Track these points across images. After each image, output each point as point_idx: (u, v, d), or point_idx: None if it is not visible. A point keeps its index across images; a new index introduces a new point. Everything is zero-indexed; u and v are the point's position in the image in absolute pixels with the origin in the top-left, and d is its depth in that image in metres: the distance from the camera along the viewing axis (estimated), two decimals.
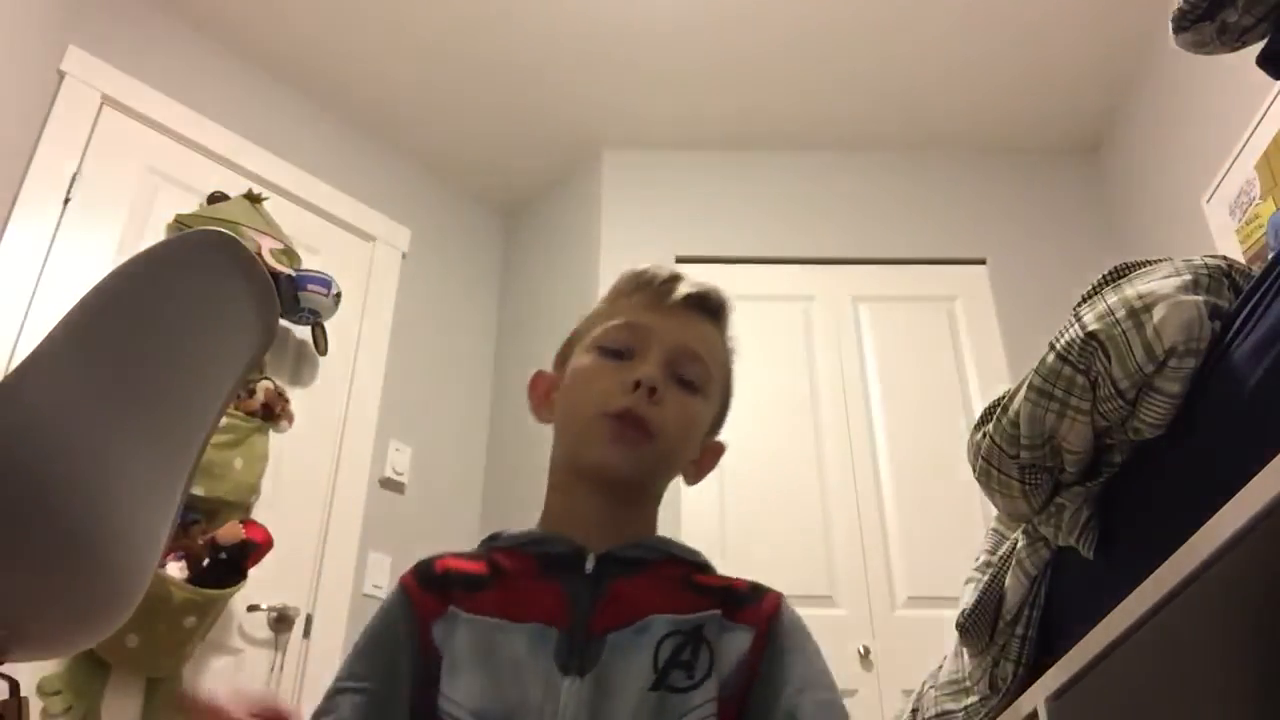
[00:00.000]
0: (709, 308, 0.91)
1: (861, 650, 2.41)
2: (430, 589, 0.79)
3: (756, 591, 0.82)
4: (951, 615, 1.21)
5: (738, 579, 0.83)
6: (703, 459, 0.91)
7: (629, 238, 3.01)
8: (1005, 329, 2.84)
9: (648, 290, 0.89)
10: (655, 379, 0.82)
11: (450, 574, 0.80)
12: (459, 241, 3.28)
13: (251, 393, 2.33)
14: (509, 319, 3.26)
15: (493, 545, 0.84)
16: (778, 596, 0.82)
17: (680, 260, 2.97)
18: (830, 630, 2.65)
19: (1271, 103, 2.20)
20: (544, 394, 0.91)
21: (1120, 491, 0.96)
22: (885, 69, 2.92)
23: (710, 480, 3.19)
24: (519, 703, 0.71)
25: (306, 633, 2.39)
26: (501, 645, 0.74)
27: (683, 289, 0.89)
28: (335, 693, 0.76)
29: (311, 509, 2.54)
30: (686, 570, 0.82)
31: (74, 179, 2.35)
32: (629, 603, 0.76)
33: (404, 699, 0.74)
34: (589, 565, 0.78)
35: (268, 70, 2.90)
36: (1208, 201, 2.46)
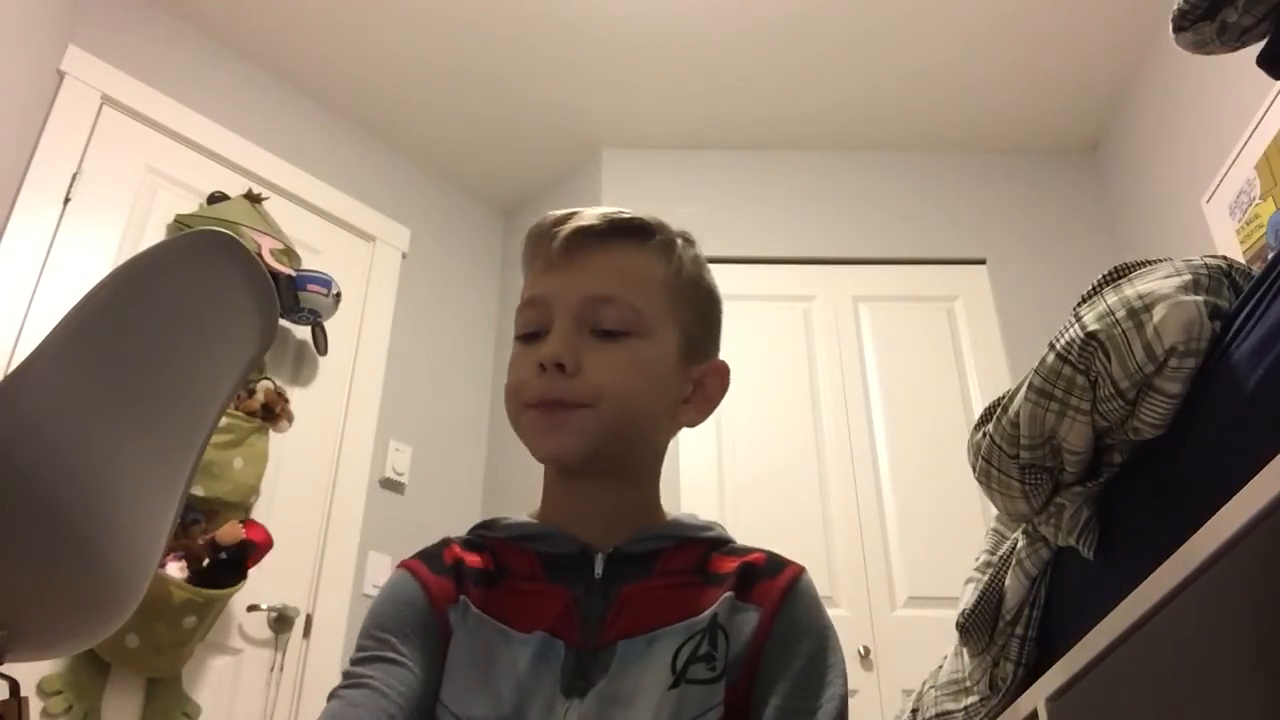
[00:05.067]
0: (609, 233, 0.79)
1: (861, 650, 2.42)
2: (442, 574, 0.75)
3: (773, 565, 0.77)
4: (951, 615, 1.21)
5: (756, 552, 0.78)
6: (696, 391, 0.82)
7: None
8: (1005, 329, 2.84)
9: (538, 251, 0.80)
10: (555, 354, 0.74)
11: (462, 566, 0.76)
12: (459, 241, 3.28)
13: (251, 393, 2.34)
14: (509, 319, 3.25)
15: (488, 534, 0.79)
16: (795, 571, 0.77)
17: None
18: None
19: (1271, 103, 2.20)
20: None
21: (1120, 491, 0.96)
22: (885, 69, 2.92)
23: (710, 480, 3.17)
24: (514, 717, 0.68)
25: (306, 633, 2.39)
26: (502, 655, 0.71)
27: (566, 231, 0.78)
28: (360, 660, 0.71)
29: (311, 509, 2.54)
30: (702, 551, 0.77)
31: (74, 179, 2.35)
32: (641, 611, 0.72)
33: (427, 672, 0.70)
34: (598, 569, 0.74)
35: (268, 70, 2.90)
36: (1208, 201, 2.45)
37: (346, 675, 0.71)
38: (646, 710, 0.67)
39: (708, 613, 0.72)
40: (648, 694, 0.68)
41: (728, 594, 0.73)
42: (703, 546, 0.78)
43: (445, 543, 0.79)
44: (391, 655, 0.70)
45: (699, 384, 0.82)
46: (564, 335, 0.75)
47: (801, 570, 0.77)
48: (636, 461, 0.79)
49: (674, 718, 0.67)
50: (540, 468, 0.82)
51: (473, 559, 0.77)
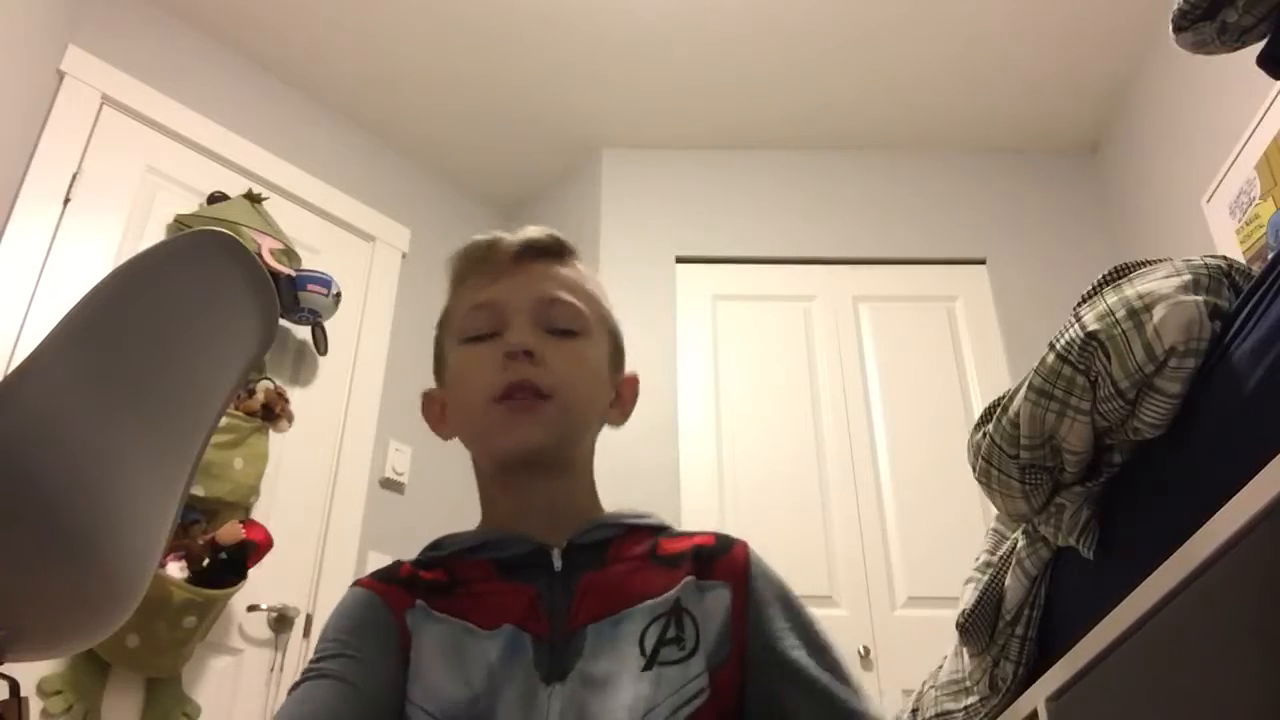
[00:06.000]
0: (548, 250, 0.87)
1: (861, 650, 2.42)
2: (394, 584, 0.77)
3: (723, 543, 0.81)
4: (951, 615, 1.21)
5: (701, 534, 0.82)
6: (621, 396, 0.88)
7: (629, 238, 3.02)
8: (1005, 329, 2.84)
9: (482, 264, 0.86)
10: (525, 341, 0.79)
11: (415, 578, 0.78)
12: (459, 241, 3.25)
13: (251, 393, 2.34)
14: None
15: (438, 553, 0.81)
16: (745, 545, 0.81)
17: (680, 260, 2.98)
18: (830, 630, 2.65)
19: (1271, 103, 2.20)
20: (438, 411, 0.89)
21: (1120, 491, 0.96)
22: (885, 69, 2.92)
23: (710, 480, 3.17)
24: (489, 707, 0.68)
25: (306, 633, 2.39)
26: (471, 649, 0.71)
27: (513, 244, 0.86)
28: (318, 660, 0.72)
29: (311, 509, 2.54)
30: (650, 539, 0.81)
31: (74, 179, 2.35)
32: (604, 595, 0.75)
33: (388, 672, 0.71)
34: (557, 562, 0.76)
35: (268, 70, 2.90)
36: (1208, 202, 2.45)
37: (306, 672, 0.72)
38: (627, 691, 0.69)
39: (669, 595, 0.74)
40: (623, 675, 0.70)
41: (688, 577, 0.76)
42: (650, 534, 0.82)
43: (398, 563, 0.81)
44: (350, 653, 0.72)
45: (619, 390, 0.88)
46: (527, 329, 0.80)
47: (748, 543, 0.82)
48: (577, 457, 0.83)
49: (651, 698, 0.69)
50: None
51: (426, 574, 0.79)
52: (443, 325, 0.89)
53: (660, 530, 0.82)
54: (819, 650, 0.75)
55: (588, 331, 0.83)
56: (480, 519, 0.84)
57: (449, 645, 0.72)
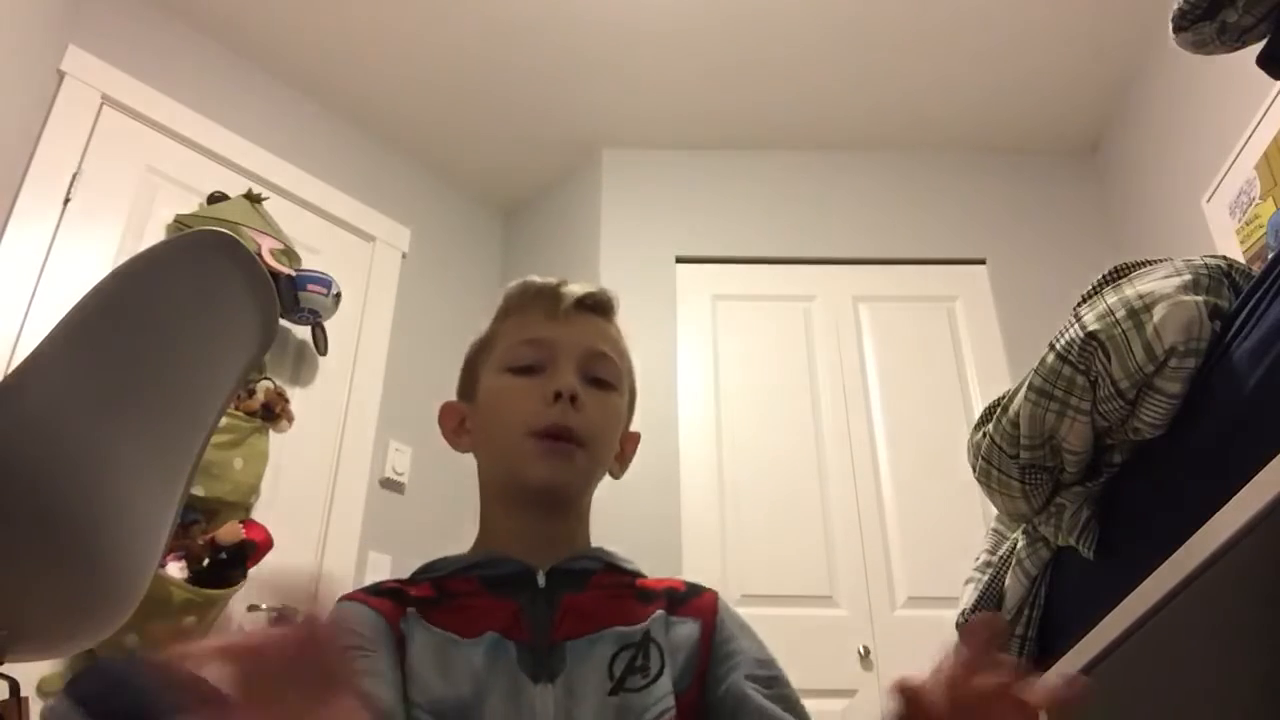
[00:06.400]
0: (602, 307, 0.92)
1: (861, 650, 2.41)
2: (382, 596, 0.80)
3: (695, 589, 0.86)
4: (951, 615, 1.21)
5: (674, 580, 0.87)
6: (624, 451, 0.93)
7: (629, 238, 3.02)
8: (1005, 329, 2.84)
9: (539, 303, 0.90)
10: (574, 386, 0.83)
11: (402, 593, 0.80)
12: (459, 241, 3.28)
13: (251, 393, 2.33)
14: None
15: (430, 574, 0.83)
16: (714, 591, 0.86)
17: (680, 260, 2.98)
18: (830, 630, 2.66)
19: (1271, 103, 2.20)
20: (457, 424, 0.92)
21: (1120, 491, 0.96)
22: (885, 69, 2.92)
23: (710, 480, 3.16)
24: (476, 703, 0.71)
25: None
26: (456, 657, 0.74)
27: (574, 294, 0.90)
28: None
29: (311, 509, 2.54)
30: (627, 577, 0.86)
31: (74, 179, 2.35)
32: (583, 615, 0.79)
33: (397, 664, 0.74)
34: (540, 581, 0.80)
35: (268, 70, 2.90)
36: (1208, 201, 2.46)
37: None
38: (591, 711, 0.73)
39: (640, 626, 0.79)
40: (593, 695, 0.74)
41: (660, 612, 0.81)
42: (627, 575, 0.87)
43: (380, 582, 0.84)
44: (369, 653, 0.73)
45: (623, 445, 0.93)
46: (573, 374, 0.85)
47: (716, 591, 0.88)
48: (584, 500, 0.88)
49: (618, 718, 0.73)
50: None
51: (412, 590, 0.81)
52: (482, 348, 0.92)
53: (636, 575, 0.87)
54: (777, 684, 0.79)
55: (620, 387, 0.90)
56: (476, 535, 0.87)
57: (436, 653, 0.75)
